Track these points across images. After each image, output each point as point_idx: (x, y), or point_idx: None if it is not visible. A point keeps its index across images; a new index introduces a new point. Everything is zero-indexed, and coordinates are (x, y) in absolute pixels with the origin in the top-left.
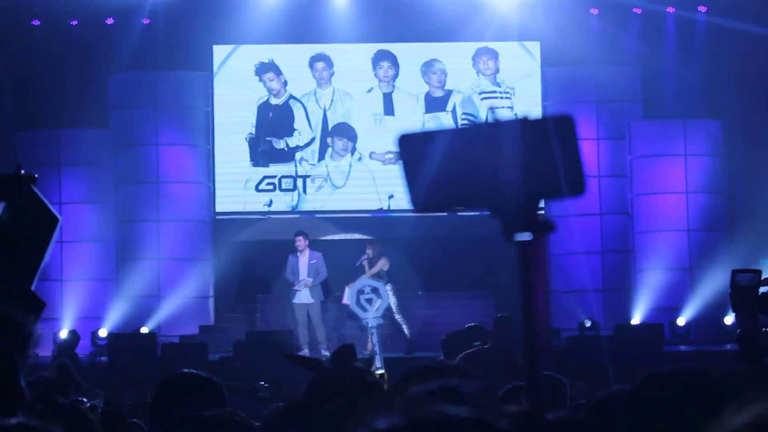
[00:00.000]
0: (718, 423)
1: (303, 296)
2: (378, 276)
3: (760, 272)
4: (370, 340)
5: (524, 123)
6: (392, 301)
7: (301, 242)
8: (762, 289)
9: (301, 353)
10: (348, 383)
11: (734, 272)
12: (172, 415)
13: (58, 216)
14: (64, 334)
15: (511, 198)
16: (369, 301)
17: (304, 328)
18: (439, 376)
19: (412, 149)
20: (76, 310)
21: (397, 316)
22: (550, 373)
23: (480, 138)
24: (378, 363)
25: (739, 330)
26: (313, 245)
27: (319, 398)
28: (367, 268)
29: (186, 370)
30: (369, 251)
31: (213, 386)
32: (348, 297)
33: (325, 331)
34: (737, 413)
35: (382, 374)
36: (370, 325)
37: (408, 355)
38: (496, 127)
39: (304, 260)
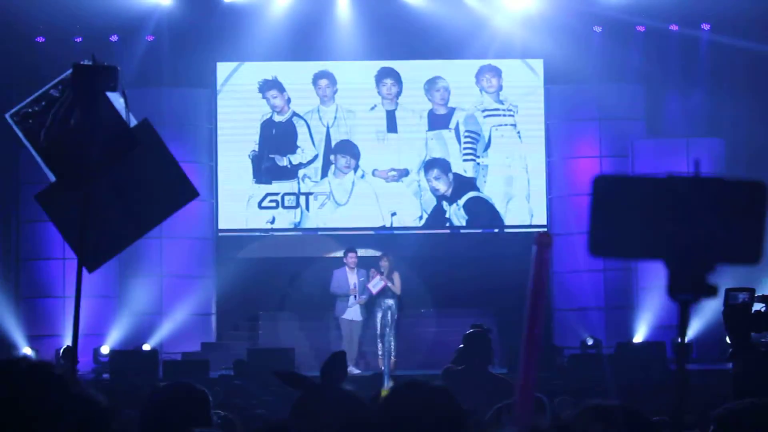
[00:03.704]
0: None
1: (351, 312)
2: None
3: (753, 290)
4: (386, 360)
5: (717, 183)
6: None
7: (353, 258)
8: (756, 307)
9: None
10: (333, 405)
11: (727, 291)
12: (159, 424)
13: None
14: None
15: (688, 258)
16: (387, 326)
17: (348, 344)
18: (424, 396)
19: (604, 192)
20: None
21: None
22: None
23: (672, 192)
24: (386, 383)
25: (731, 350)
26: (317, 262)
27: (304, 418)
28: (378, 278)
29: (180, 381)
30: (384, 263)
31: (202, 399)
32: (373, 285)
33: (358, 349)
34: None
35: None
36: (387, 348)
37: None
38: (689, 182)
39: (353, 276)
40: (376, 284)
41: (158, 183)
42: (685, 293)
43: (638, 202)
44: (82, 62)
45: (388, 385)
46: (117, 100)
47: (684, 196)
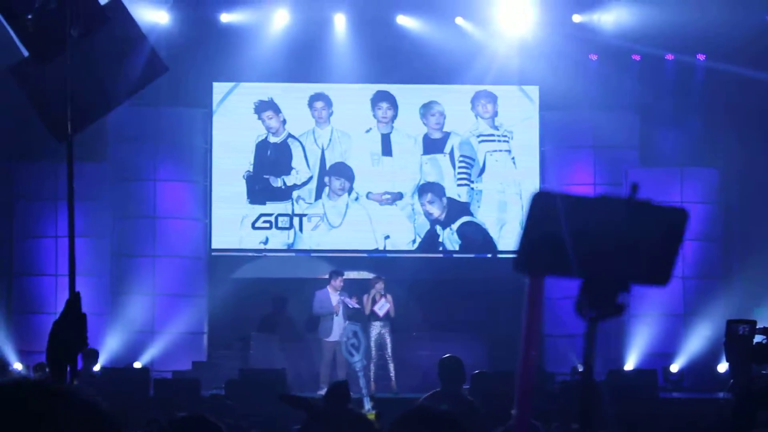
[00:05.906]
0: None
1: (335, 334)
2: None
3: (755, 323)
4: (361, 381)
5: (644, 207)
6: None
7: (341, 282)
8: (756, 339)
9: (321, 392)
10: (340, 424)
11: (729, 322)
12: None
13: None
14: None
15: (603, 276)
16: (354, 346)
17: (327, 367)
18: (433, 420)
19: (540, 209)
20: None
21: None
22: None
23: (601, 213)
24: (366, 405)
25: (732, 380)
26: (310, 284)
27: None
28: (369, 303)
29: (195, 414)
30: (379, 285)
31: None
32: (379, 307)
33: (346, 370)
34: None
35: (376, 414)
36: (357, 368)
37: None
38: (618, 204)
39: (336, 297)
40: (382, 306)
41: (129, 58)
42: (591, 310)
43: (569, 221)
44: None
45: (368, 406)
46: None
47: (612, 217)
